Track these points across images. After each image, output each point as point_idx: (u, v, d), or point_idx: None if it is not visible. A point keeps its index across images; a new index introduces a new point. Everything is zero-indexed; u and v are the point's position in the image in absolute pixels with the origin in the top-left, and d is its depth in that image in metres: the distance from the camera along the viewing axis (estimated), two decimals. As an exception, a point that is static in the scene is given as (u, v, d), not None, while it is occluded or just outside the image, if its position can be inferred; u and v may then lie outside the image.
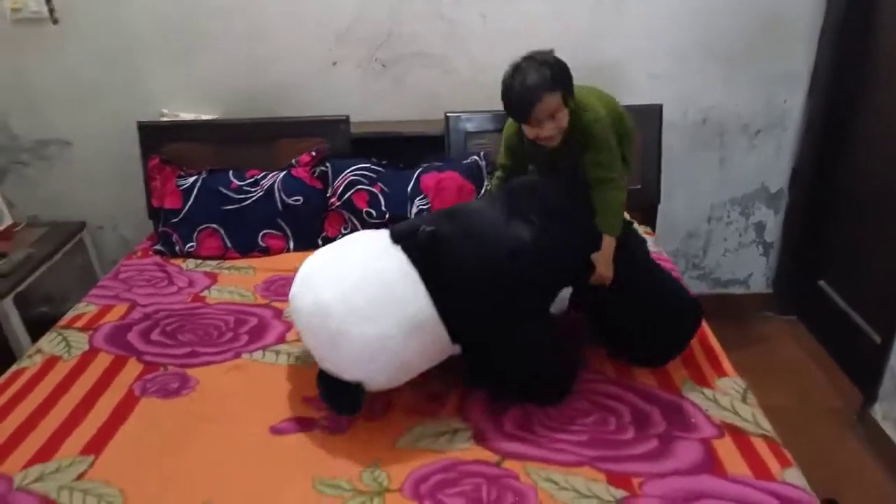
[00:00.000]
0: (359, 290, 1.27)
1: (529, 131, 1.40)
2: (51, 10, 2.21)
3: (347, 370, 1.28)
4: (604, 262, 1.40)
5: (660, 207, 2.25)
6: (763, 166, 2.37)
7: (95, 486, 1.21)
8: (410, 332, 1.25)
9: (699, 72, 2.23)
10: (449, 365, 1.39)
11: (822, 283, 2.35)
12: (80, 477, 1.23)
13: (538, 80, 1.33)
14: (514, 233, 1.35)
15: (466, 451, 1.24)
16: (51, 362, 1.59)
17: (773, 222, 2.46)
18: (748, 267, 2.55)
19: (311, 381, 1.43)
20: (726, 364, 1.47)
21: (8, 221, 2.35)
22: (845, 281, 2.24)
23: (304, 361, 1.55)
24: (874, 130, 2.07)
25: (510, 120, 1.50)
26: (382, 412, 1.36)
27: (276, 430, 1.33)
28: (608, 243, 1.40)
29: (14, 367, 1.59)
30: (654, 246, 2.02)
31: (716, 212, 2.45)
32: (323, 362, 1.32)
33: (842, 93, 2.17)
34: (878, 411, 1.92)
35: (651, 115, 2.15)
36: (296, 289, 1.39)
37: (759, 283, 2.57)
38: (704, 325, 1.60)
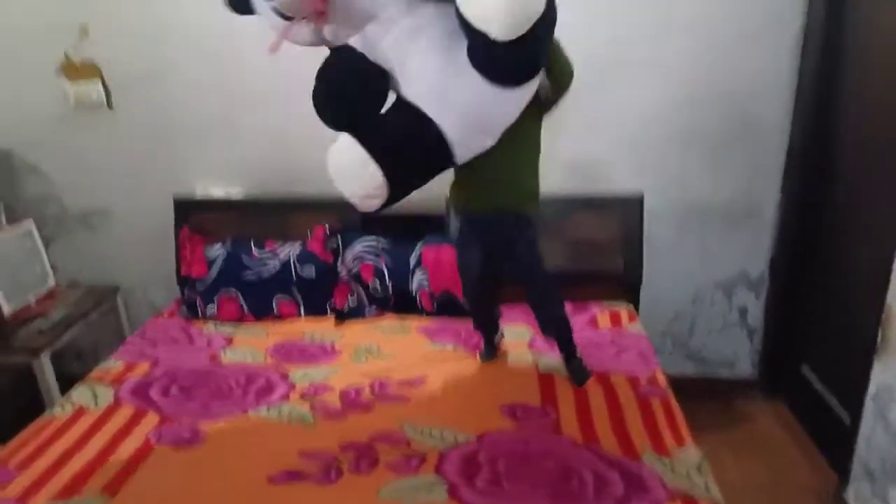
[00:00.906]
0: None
1: None
2: (108, 98, 2.53)
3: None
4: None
5: (645, 289, 2.40)
6: (743, 252, 2.53)
7: (111, 522, 1.37)
8: None
9: (678, 163, 2.42)
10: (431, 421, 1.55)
11: (804, 367, 2.46)
12: (98, 513, 1.40)
13: None
14: None
15: (442, 503, 1.38)
16: (80, 412, 1.78)
17: (755, 307, 2.59)
18: (733, 349, 2.66)
19: (306, 437, 1.61)
20: (686, 434, 1.60)
21: (51, 284, 2.60)
22: (824, 365, 2.35)
23: (303, 420, 1.72)
24: (845, 222, 2.22)
25: None
26: (368, 469, 1.51)
27: (273, 480, 1.48)
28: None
29: (47, 414, 1.78)
30: (640, 327, 2.18)
31: (700, 294, 2.59)
32: None
33: (813, 186, 2.34)
34: (850, 493, 1.99)
35: (633, 204, 2.35)
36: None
37: (745, 366, 2.68)
38: (670, 396, 1.75)
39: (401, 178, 1.49)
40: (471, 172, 1.66)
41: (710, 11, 2.25)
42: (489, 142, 1.52)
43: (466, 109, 1.42)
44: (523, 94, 1.48)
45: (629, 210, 2.34)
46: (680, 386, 1.87)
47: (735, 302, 2.60)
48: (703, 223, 2.50)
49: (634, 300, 2.36)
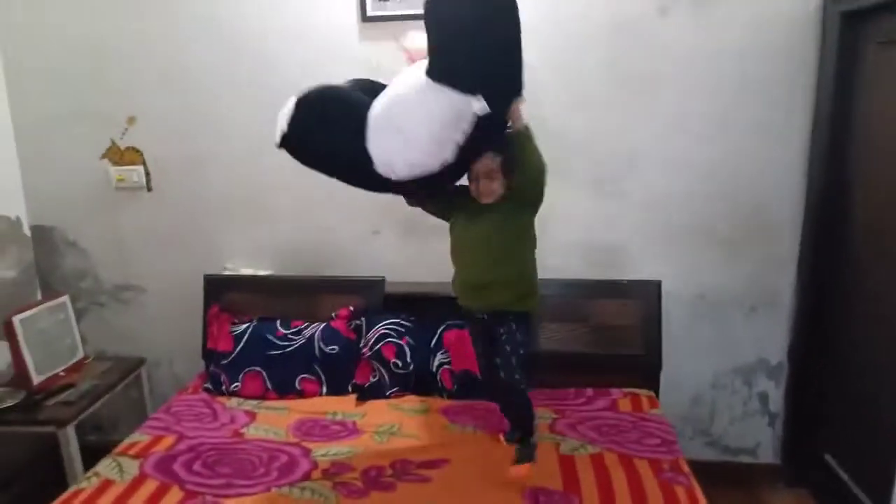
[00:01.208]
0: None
1: None
2: (148, 180, 2.68)
3: None
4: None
5: (664, 374, 2.42)
6: (761, 340, 2.55)
7: None
8: None
9: (695, 252, 2.49)
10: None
11: (827, 456, 2.42)
12: (121, 589, 1.40)
13: None
14: None
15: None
16: (105, 485, 1.80)
17: (775, 394, 2.59)
18: (755, 436, 2.64)
19: (330, 516, 1.61)
20: (711, 524, 1.59)
21: (80, 355, 2.66)
22: (849, 454, 2.32)
23: (325, 497, 1.72)
24: (862, 308, 2.25)
25: None
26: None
27: (294, 559, 1.48)
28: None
29: (74, 488, 1.80)
30: (662, 412, 2.19)
31: (719, 380, 2.60)
32: None
33: (828, 273, 2.39)
34: (882, 591, 1.93)
35: (651, 289, 2.40)
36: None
37: (767, 454, 2.64)
38: (694, 483, 1.74)
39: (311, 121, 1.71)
40: (462, 269, 1.85)
41: (721, 108, 2.38)
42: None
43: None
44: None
45: (648, 295, 2.39)
46: (701, 471, 1.86)
47: (755, 389, 2.60)
48: (720, 310, 2.55)
49: (655, 386, 2.37)
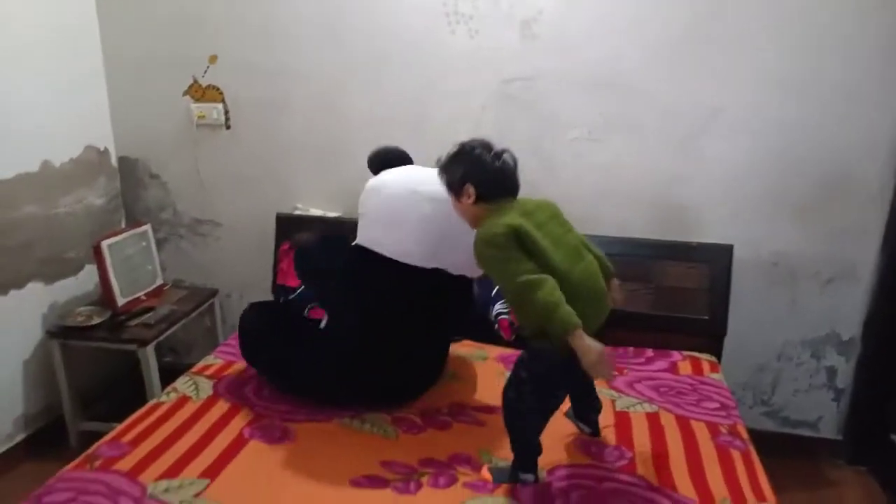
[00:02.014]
0: None
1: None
2: (227, 119, 2.77)
3: None
4: (583, 358, 1.37)
5: (729, 340, 2.37)
6: (834, 313, 2.46)
7: (209, 504, 1.49)
8: None
9: (771, 218, 2.40)
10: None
11: (893, 436, 2.35)
12: (197, 495, 1.51)
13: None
14: None
15: (516, 526, 1.42)
16: (182, 401, 1.93)
17: (844, 369, 2.51)
18: (818, 410, 2.57)
19: (388, 449, 1.69)
20: (767, 491, 1.58)
21: (159, 282, 2.82)
22: (918, 437, 2.24)
23: (385, 431, 1.80)
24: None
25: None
26: (446, 485, 1.57)
27: (355, 483, 1.57)
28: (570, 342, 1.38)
29: (154, 401, 1.94)
30: (722, 377, 2.15)
31: (786, 350, 2.53)
32: None
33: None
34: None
35: (722, 253, 2.34)
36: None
37: (830, 429, 2.58)
38: (751, 450, 1.73)
39: None
40: (597, 299, 1.59)
41: (811, 67, 2.25)
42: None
43: None
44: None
45: (718, 259, 2.33)
46: (758, 440, 1.83)
47: (823, 362, 2.52)
48: (792, 279, 2.46)
49: (717, 351, 2.33)
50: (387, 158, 1.97)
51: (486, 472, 1.62)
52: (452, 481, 1.58)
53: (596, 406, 1.81)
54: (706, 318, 2.34)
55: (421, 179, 1.85)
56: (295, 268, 2.12)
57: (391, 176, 1.92)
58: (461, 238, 1.68)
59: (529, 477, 1.57)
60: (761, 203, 2.41)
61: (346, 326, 1.87)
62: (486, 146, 1.62)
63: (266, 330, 2.02)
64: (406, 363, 1.90)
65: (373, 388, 1.88)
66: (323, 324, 1.94)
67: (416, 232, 1.81)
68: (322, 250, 2.09)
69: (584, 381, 1.73)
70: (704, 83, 2.34)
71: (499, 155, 1.61)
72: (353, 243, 1.94)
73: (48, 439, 2.54)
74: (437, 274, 1.82)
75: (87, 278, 2.74)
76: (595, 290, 1.56)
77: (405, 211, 1.83)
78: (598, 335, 1.43)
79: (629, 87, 2.39)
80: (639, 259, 2.39)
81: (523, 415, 1.59)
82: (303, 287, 2.38)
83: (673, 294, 2.36)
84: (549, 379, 1.56)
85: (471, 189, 1.59)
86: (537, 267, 1.44)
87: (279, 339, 1.97)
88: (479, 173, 1.59)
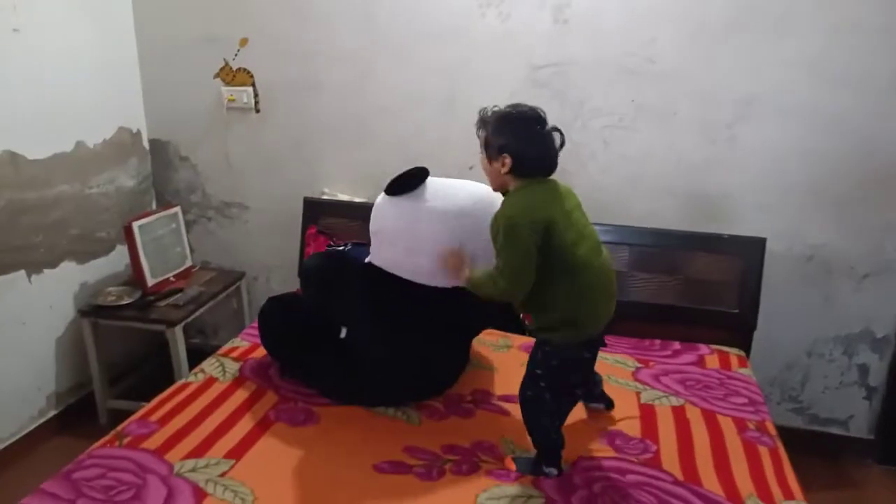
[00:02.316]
0: None
1: None
2: (256, 102, 2.78)
3: None
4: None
5: (759, 335, 2.33)
6: (869, 310, 2.39)
7: (234, 484, 1.50)
8: None
9: (807, 210, 2.34)
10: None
11: (928, 437, 2.29)
12: (223, 475, 1.54)
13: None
14: None
15: (538, 514, 1.42)
16: (209, 381, 1.95)
17: (877, 367, 2.44)
18: (849, 408, 2.51)
19: (411, 435, 1.69)
20: (795, 488, 1.55)
21: (188, 264, 2.86)
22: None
23: (408, 417, 1.80)
24: None
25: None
26: (469, 472, 1.57)
27: (378, 468, 1.58)
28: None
29: (182, 381, 1.97)
30: (751, 372, 2.11)
31: (817, 347, 2.47)
32: None
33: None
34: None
35: (755, 246, 2.28)
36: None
37: (861, 428, 2.52)
38: (779, 446, 1.70)
39: None
40: (608, 300, 1.60)
41: (857, 56, 2.18)
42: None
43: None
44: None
45: (750, 252, 2.28)
46: (785, 436, 1.79)
47: (855, 360, 2.46)
48: (826, 275, 2.40)
49: (746, 346, 2.29)
50: (408, 183, 1.87)
51: (510, 463, 1.62)
52: (475, 469, 1.58)
53: (597, 380, 1.86)
54: (735, 311, 2.29)
55: (437, 194, 1.83)
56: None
57: (406, 198, 1.85)
58: (480, 256, 1.67)
59: (553, 471, 1.57)
60: (798, 195, 2.34)
61: (365, 339, 1.86)
62: (537, 119, 1.52)
63: (285, 331, 2.01)
64: (428, 369, 1.89)
65: (394, 392, 1.87)
66: (343, 334, 1.91)
67: (435, 255, 1.75)
68: (334, 271, 2.00)
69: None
70: (742, 69, 2.27)
71: (548, 134, 1.51)
72: (367, 260, 1.92)
73: (78, 416, 2.61)
74: (459, 290, 1.74)
75: (117, 259, 2.79)
76: (610, 286, 1.57)
77: (424, 234, 1.78)
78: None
79: (662, 73, 2.34)
80: (668, 250, 2.35)
81: (542, 412, 1.59)
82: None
83: (702, 286, 2.32)
84: (561, 372, 1.56)
85: (508, 160, 1.50)
86: (549, 263, 1.45)
87: (298, 345, 1.95)
88: (523, 149, 1.49)
